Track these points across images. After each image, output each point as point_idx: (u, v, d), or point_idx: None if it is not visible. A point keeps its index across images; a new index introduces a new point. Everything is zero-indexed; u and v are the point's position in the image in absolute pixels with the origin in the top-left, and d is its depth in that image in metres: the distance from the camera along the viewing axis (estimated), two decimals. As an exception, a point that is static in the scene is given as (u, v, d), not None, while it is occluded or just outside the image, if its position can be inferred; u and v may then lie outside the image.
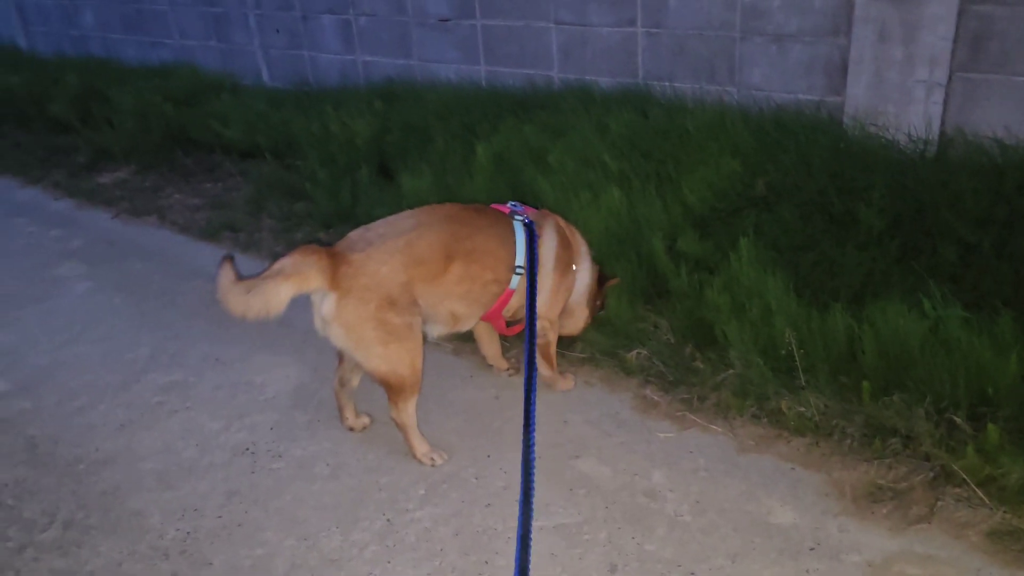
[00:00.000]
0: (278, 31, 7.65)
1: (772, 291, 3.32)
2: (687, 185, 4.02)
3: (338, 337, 2.88)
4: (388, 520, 2.86)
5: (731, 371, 3.28)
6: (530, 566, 1.71)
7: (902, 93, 4.20)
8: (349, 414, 3.38)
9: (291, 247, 4.83)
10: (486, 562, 2.65)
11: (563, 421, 3.33)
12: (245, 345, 4.09)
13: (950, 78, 4.09)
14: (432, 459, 3.11)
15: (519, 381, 3.64)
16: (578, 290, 3.43)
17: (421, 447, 3.12)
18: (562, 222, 3.39)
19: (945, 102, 4.14)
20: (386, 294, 2.84)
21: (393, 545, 2.74)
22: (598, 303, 3.59)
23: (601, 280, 3.53)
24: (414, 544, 2.74)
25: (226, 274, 2.80)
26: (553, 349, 3.44)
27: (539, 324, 3.25)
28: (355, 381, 3.30)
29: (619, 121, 4.58)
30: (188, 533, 2.87)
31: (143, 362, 4.02)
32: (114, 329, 4.38)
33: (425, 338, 3.07)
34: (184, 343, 4.16)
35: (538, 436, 3.23)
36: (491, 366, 3.74)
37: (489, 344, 3.68)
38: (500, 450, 3.18)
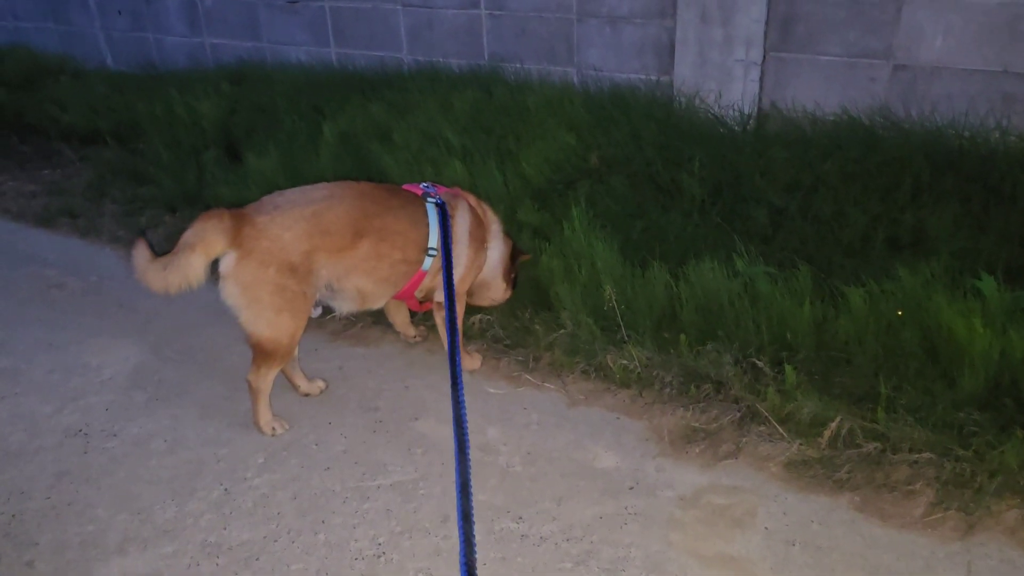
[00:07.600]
0: (120, 13, 7.36)
1: (600, 255, 3.51)
2: (526, 159, 4.17)
3: (231, 294, 2.84)
4: (225, 489, 2.87)
5: (562, 331, 3.45)
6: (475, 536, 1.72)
7: (723, 71, 4.50)
8: (300, 382, 3.37)
9: (133, 232, 4.80)
10: (323, 521, 2.70)
11: (404, 387, 3.42)
12: (82, 329, 3.96)
13: (765, 57, 4.41)
14: (273, 428, 3.13)
15: (363, 352, 3.71)
16: (492, 263, 3.43)
17: (265, 415, 3.13)
18: (473, 200, 3.38)
19: (761, 79, 4.47)
20: (287, 260, 2.84)
21: (230, 512, 2.76)
22: (512, 276, 3.56)
23: (515, 254, 3.51)
24: (251, 510, 2.76)
25: (141, 253, 2.78)
26: (459, 323, 3.30)
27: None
28: (295, 351, 3.25)
29: (463, 99, 4.69)
30: (13, 516, 2.78)
31: (-34, 352, 3.84)
32: (-66, 320, 4.15)
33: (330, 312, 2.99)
34: (14, 330, 3.99)
35: (379, 402, 3.34)
36: (399, 333, 3.75)
37: (396, 313, 3.67)
38: (342, 416, 3.23)
